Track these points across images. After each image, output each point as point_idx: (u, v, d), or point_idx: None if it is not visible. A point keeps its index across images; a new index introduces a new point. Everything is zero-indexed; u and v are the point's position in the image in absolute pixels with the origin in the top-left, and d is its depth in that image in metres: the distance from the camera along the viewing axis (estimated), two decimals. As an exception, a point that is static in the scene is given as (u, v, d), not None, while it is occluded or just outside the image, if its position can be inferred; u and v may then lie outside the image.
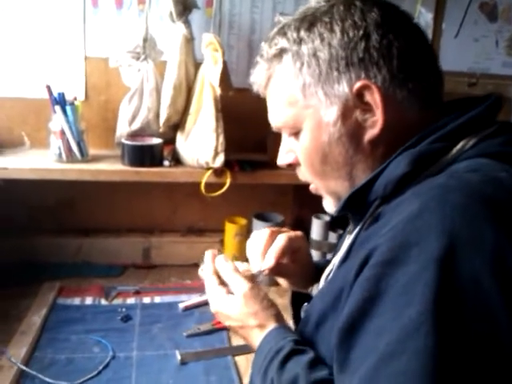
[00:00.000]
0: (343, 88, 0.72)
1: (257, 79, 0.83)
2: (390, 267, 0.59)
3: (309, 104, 0.76)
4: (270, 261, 0.93)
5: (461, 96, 0.81)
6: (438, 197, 0.61)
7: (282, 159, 0.87)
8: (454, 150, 0.69)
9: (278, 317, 0.87)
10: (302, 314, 0.92)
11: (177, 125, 1.48)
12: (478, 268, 0.55)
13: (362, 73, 0.72)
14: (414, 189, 0.67)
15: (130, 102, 1.45)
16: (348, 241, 0.82)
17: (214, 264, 0.93)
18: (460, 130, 0.70)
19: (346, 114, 0.74)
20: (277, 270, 0.96)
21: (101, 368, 1.13)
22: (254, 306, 0.86)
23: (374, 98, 0.71)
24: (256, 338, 0.85)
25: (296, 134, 0.80)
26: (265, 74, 0.81)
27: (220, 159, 1.40)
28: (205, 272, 0.94)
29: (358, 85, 0.71)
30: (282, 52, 0.77)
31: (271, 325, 0.85)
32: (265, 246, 0.97)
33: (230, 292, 0.89)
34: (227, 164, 1.45)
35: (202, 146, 1.40)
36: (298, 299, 1.00)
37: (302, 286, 1.03)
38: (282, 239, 0.95)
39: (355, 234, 0.79)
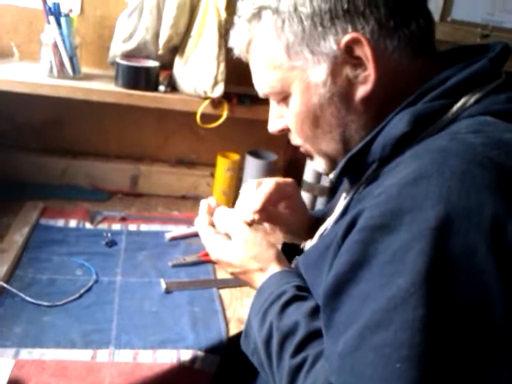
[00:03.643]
0: (330, 44, 0.67)
1: (237, 43, 0.77)
2: (380, 233, 0.57)
3: (294, 65, 0.71)
4: (256, 204, 0.90)
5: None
6: (436, 162, 0.57)
7: (273, 126, 0.83)
8: (455, 108, 0.65)
9: (279, 258, 0.85)
10: (292, 265, 0.91)
11: (175, 49, 1.41)
12: (474, 240, 0.53)
13: (348, 26, 0.66)
14: (412, 150, 0.63)
15: (128, 19, 1.36)
16: (345, 201, 0.80)
17: (208, 215, 0.92)
18: (461, 85, 0.66)
19: (335, 71, 0.69)
20: (267, 216, 0.94)
21: (83, 291, 1.11)
22: (254, 250, 0.85)
23: (364, 50, 0.66)
24: (259, 281, 0.84)
25: (285, 99, 0.76)
26: (245, 36, 0.75)
27: (219, 89, 1.34)
28: (199, 223, 0.93)
29: (345, 39, 0.66)
30: (260, 10, 0.71)
31: (273, 268, 0.83)
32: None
33: (228, 239, 0.88)
34: (225, 96, 1.39)
35: (201, 73, 1.34)
36: (289, 251, 0.98)
37: (296, 235, 1.01)
38: (269, 183, 0.93)
39: (351, 194, 0.77)
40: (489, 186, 0.55)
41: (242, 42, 0.76)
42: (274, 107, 0.81)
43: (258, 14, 0.72)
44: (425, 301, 0.52)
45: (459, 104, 0.66)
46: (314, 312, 0.71)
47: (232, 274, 0.89)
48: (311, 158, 0.82)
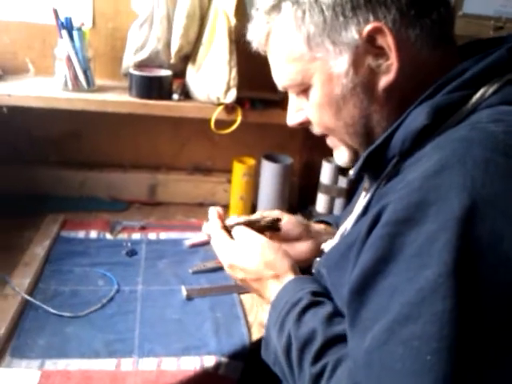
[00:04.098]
0: (352, 34, 0.67)
1: (255, 36, 0.77)
2: (405, 226, 0.57)
3: (316, 56, 0.71)
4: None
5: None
6: (458, 152, 0.57)
7: (292, 119, 0.82)
8: (474, 99, 0.65)
9: (294, 268, 0.85)
10: (313, 269, 0.91)
11: (187, 57, 1.42)
12: (501, 226, 0.52)
13: (370, 15, 0.66)
14: (433, 142, 0.63)
15: (139, 30, 1.38)
16: (365, 199, 0.79)
17: (220, 220, 0.93)
18: (480, 76, 0.66)
19: (357, 61, 0.69)
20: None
21: (105, 301, 1.12)
22: (271, 256, 0.85)
23: (387, 40, 0.66)
24: (272, 289, 0.83)
25: (305, 91, 0.75)
26: (263, 28, 0.75)
27: (232, 94, 1.35)
28: (212, 228, 0.93)
29: (367, 28, 0.66)
30: (280, 2, 0.71)
31: (288, 276, 0.83)
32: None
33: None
34: (238, 101, 1.40)
35: (213, 79, 1.34)
36: None
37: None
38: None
39: (372, 191, 0.76)
40: None
41: (260, 34, 0.76)
42: (293, 100, 0.81)
43: (277, 6, 0.72)
44: (453, 291, 0.51)
45: (478, 95, 0.65)
46: (331, 317, 0.71)
47: (243, 280, 0.89)
48: (333, 148, 0.82)
